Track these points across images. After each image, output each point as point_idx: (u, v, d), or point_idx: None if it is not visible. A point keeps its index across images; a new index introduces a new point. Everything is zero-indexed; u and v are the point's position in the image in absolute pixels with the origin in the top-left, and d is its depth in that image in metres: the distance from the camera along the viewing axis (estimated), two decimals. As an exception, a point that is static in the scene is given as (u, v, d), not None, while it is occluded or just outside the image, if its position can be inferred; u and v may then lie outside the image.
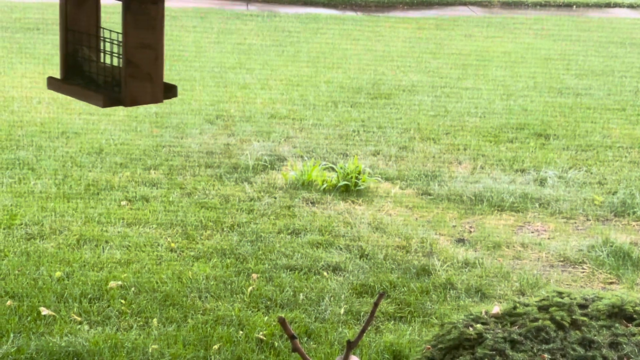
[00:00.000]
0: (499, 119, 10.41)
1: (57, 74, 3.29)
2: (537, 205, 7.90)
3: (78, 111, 9.87)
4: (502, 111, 10.74)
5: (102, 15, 3.17)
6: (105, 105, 3.00)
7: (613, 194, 8.18)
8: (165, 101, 11.17)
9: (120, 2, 2.89)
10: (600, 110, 10.94)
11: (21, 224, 6.98)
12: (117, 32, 3.03)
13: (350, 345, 2.36)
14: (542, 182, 8.46)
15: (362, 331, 2.35)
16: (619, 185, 8.42)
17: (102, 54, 3.17)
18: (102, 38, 3.15)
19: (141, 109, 10.12)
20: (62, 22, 3.12)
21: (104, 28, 3.15)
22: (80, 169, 8.26)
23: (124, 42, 2.93)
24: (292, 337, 2.32)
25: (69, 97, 3.32)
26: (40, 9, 15.40)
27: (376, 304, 2.37)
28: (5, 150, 8.65)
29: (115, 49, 3.08)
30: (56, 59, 10.76)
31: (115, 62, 3.09)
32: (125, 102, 2.98)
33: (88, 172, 8.19)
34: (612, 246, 6.93)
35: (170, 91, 3.09)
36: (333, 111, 10.54)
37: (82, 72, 3.17)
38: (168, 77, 11.42)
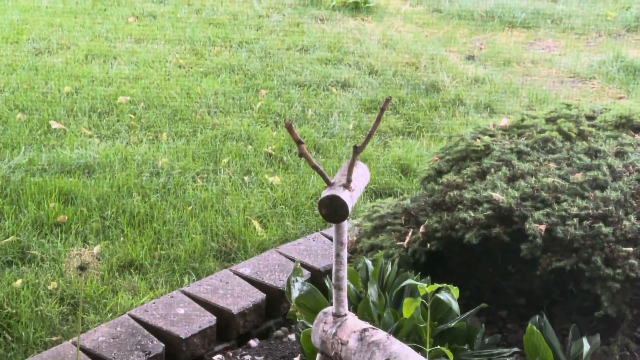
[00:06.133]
0: None
1: None
2: (549, 21, 7.80)
3: None
4: None
5: None
6: None
7: (626, 10, 8.06)
8: None
9: None
10: None
11: (28, 39, 6.93)
12: None
13: (357, 150, 2.37)
14: (555, -1, 8.33)
15: (369, 136, 2.35)
16: None
17: None
18: None
19: None
20: None
21: None
22: (86, -14, 8.15)
23: None
24: (298, 142, 2.32)
25: None
26: None
27: (382, 109, 2.36)
28: (10, -33, 8.52)
29: None
30: None
31: None
32: None
33: (94, -11, 8.08)
34: (622, 61, 6.88)
35: None
36: None
37: None
38: None
